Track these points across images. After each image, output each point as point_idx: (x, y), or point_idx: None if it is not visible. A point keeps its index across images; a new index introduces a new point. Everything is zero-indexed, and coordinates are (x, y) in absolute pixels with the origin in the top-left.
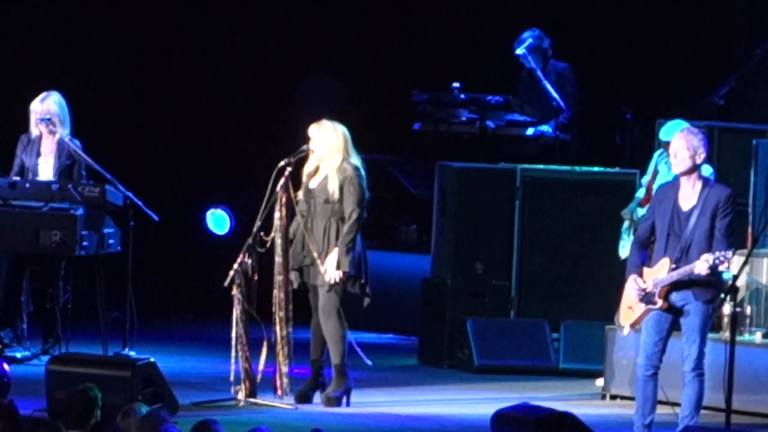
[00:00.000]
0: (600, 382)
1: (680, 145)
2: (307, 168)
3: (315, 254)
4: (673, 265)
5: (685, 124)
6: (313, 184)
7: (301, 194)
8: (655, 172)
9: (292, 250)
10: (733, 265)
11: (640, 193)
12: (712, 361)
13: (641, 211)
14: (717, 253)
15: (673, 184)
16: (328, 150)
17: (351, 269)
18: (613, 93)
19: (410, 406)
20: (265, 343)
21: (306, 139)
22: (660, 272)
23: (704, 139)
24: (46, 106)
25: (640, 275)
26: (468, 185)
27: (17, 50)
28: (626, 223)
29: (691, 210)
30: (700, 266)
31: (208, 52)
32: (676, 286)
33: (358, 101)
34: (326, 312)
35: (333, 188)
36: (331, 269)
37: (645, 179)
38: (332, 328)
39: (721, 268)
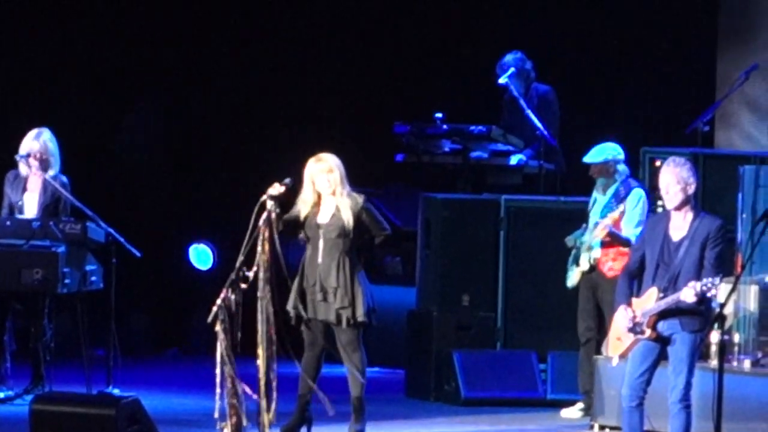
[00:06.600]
0: (579, 406)
1: (670, 180)
2: (304, 202)
3: (326, 291)
4: (661, 294)
5: (611, 146)
6: (323, 218)
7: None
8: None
9: (299, 283)
10: (720, 292)
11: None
12: (700, 389)
13: (585, 237)
14: (704, 280)
15: (665, 214)
16: (341, 183)
17: (370, 301)
18: (598, 121)
19: None
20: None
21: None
22: (648, 302)
23: (692, 168)
24: (42, 144)
25: (629, 306)
26: (452, 216)
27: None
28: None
29: (681, 240)
30: (686, 293)
31: (199, 84)
32: (663, 315)
33: (340, 133)
34: (352, 346)
35: (347, 218)
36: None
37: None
38: (359, 361)
39: (708, 295)
